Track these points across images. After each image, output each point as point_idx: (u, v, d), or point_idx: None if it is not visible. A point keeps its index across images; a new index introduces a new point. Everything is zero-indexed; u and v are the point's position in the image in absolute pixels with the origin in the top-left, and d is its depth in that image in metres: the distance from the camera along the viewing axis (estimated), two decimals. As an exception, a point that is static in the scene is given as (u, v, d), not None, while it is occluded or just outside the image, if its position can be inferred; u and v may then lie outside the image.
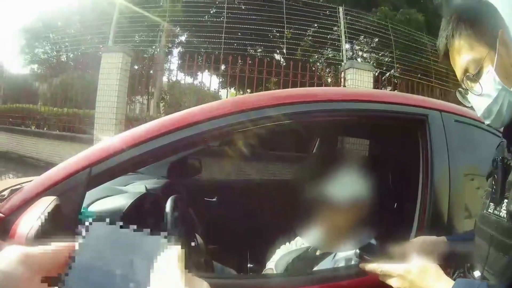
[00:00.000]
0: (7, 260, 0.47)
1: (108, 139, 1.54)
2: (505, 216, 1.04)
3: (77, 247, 0.51)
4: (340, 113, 1.77)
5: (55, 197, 1.23)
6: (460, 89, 1.19)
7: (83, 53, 14.27)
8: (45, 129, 11.28)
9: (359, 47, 18.50)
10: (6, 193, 1.69)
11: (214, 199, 3.31)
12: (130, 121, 9.63)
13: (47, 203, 1.13)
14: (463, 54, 1.13)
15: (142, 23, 13.84)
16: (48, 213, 1.05)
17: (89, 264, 0.50)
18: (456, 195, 1.65)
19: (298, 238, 2.08)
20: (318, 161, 1.96)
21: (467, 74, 1.13)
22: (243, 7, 14.82)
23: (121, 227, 0.52)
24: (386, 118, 1.85)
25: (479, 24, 1.12)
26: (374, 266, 1.28)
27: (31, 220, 1.05)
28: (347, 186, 1.59)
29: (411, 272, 1.17)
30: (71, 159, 1.43)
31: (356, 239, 1.55)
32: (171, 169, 3.11)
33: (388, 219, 1.55)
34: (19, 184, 1.89)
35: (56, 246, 0.53)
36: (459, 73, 1.17)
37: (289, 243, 2.13)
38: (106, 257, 0.51)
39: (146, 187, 2.73)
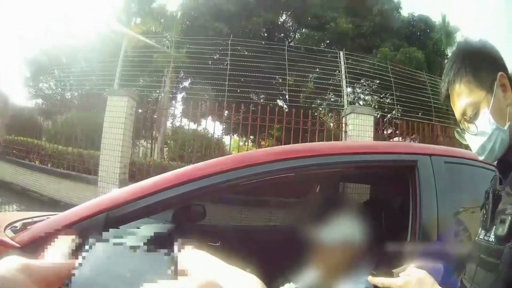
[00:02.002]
0: (7, 268, 0.50)
1: (124, 188, 1.66)
2: (493, 240, 1.13)
3: (77, 264, 0.56)
4: (336, 166, 1.91)
5: (75, 235, 1.32)
6: (457, 129, 1.30)
7: (88, 92, 14.38)
8: (49, 165, 11.30)
9: (361, 90, 18.70)
10: (18, 225, 1.77)
11: (217, 244, 3.36)
12: (135, 165, 9.76)
13: (68, 241, 1.22)
14: (462, 98, 1.23)
15: (146, 67, 14.06)
16: (70, 251, 1.14)
17: (90, 281, 0.55)
18: (444, 232, 1.75)
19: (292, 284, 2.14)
20: (316, 207, 2.06)
21: (465, 116, 1.23)
22: (246, 53, 15.06)
23: (118, 245, 0.59)
24: (379, 167, 1.97)
25: (480, 70, 1.21)
26: (378, 280, 1.38)
27: (53, 256, 1.14)
28: (343, 230, 1.69)
29: (410, 283, 1.27)
30: (91, 202, 1.54)
31: (349, 283, 1.64)
32: (176, 214, 3.19)
33: (381, 261, 1.63)
34: (30, 218, 1.96)
35: (57, 262, 0.59)
36: (457, 114, 1.27)
37: (289, 283, 2.19)
38: (106, 274, 0.56)
39: (153, 231, 2.80)
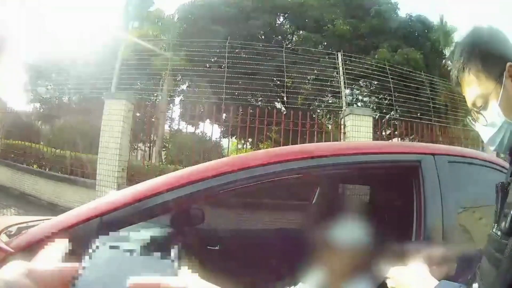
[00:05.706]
0: (12, 272, 0.52)
1: (119, 192, 1.62)
2: (500, 234, 1.10)
3: (81, 269, 0.56)
4: (337, 167, 1.86)
5: (67, 240, 1.28)
6: (469, 117, 1.27)
7: (86, 96, 14.37)
8: (47, 169, 11.30)
9: (359, 91, 18.74)
10: (13, 229, 1.74)
11: (216, 247, 3.33)
12: (133, 169, 9.71)
13: (59, 246, 1.19)
14: (471, 88, 1.20)
15: (144, 71, 14.05)
16: (64, 255, 1.11)
17: (94, 284, 0.54)
18: (450, 233, 1.71)
19: (300, 284, 2.10)
20: (318, 209, 2.03)
21: (474, 107, 1.21)
22: (244, 55, 15.06)
23: (124, 251, 0.58)
24: (381, 168, 1.93)
25: (488, 59, 1.18)
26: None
27: (44, 261, 1.11)
28: (347, 232, 1.66)
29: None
30: (84, 207, 1.50)
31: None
32: (174, 218, 3.15)
33: (385, 262, 1.60)
34: (25, 222, 1.93)
35: (61, 266, 0.59)
36: (468, 103, 1.24)
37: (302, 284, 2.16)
38: (110, 278, 0.56)
39: (150, 235, 2.76)
